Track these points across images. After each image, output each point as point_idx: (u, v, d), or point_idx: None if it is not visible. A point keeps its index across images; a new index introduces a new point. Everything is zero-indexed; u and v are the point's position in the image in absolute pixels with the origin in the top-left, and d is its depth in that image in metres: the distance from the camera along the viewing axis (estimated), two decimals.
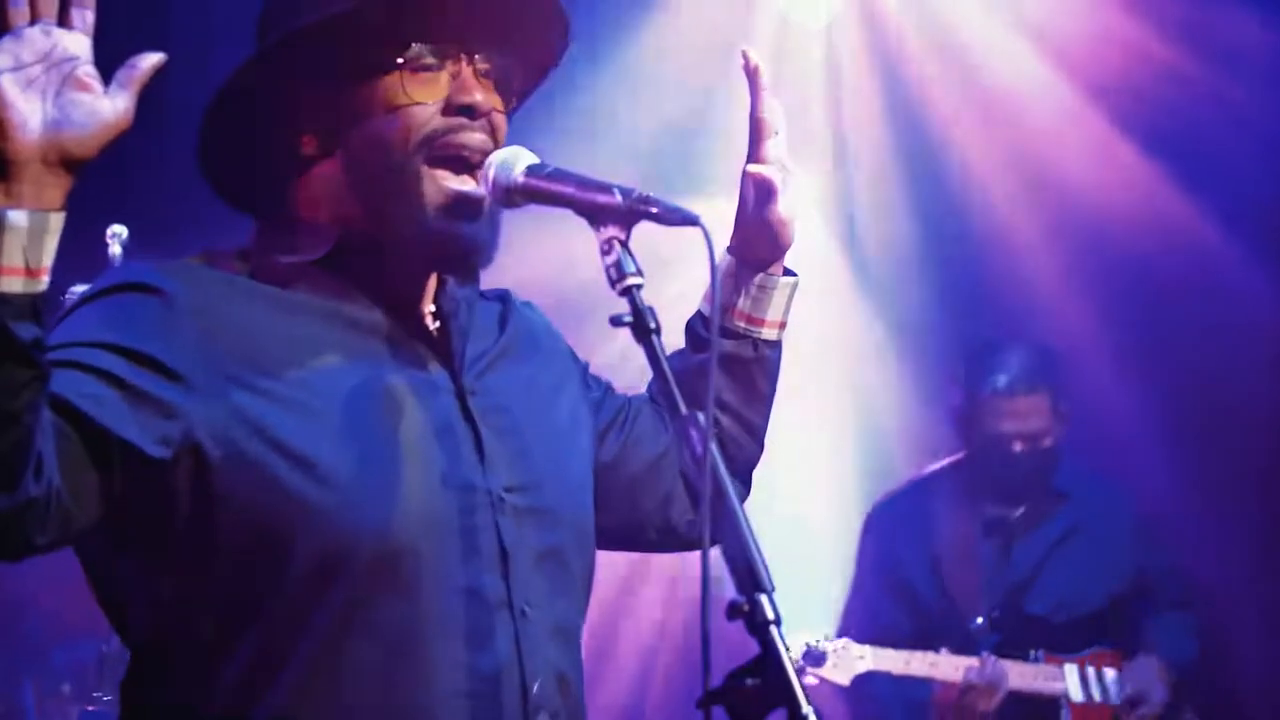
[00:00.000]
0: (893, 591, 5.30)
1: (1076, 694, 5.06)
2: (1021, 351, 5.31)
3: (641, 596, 6.15)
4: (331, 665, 2.08)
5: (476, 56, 2.23)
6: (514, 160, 2.18)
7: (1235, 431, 5.71)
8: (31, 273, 1.83)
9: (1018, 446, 5.18)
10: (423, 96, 2.19)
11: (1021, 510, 5.27)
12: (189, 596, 2.09)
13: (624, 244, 2.05)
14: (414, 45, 2.20)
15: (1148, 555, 5.26)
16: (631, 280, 2.02)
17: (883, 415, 6.33)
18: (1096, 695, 5.07)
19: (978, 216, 6.13)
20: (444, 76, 2.21)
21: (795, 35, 6.15)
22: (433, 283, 2.31)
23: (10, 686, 5.02)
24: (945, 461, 5.44)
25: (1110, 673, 5.13)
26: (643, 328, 2.00)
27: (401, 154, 2.18)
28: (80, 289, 3.60)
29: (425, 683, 2.10)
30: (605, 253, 2.05)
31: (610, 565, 6.17)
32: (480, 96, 2.20)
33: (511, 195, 2.18)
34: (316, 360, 2.15)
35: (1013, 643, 5.09)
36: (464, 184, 2.20)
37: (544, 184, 2.15)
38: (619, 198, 2.07)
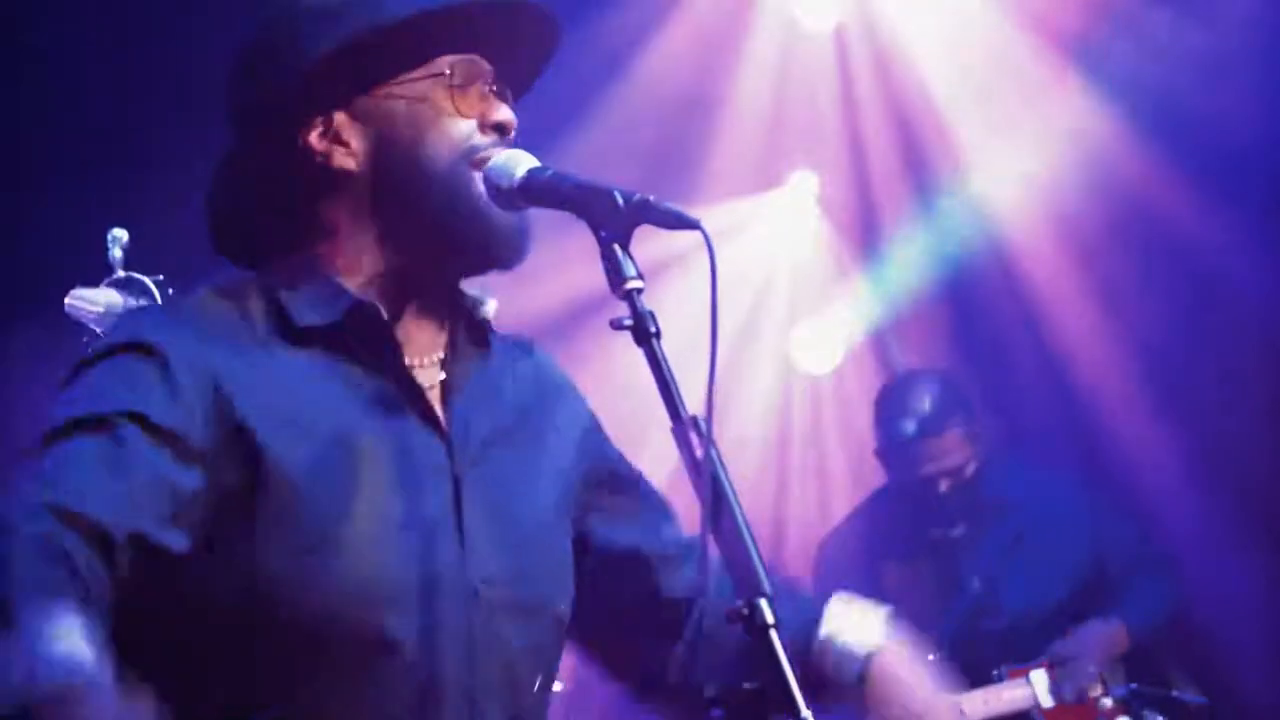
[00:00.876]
0: None
1: (1047, 700, 4.94)
2: (925, 390, 5.24)
3: None
4: None
5: (497, 76, 2.28)
6: (514, 163, 2.19)
7: (1231, 419, 5.74)
8: None
9: (943, 485, 5.14)
10: (464, 110, 2.24)
11: (962, 528, 5.20)
12: (162, 631, 2.08)
13: (624, 247, 2.05)
14: (452, 61, 2.24)
15: (1101, 534, 5.16)
16: (632, 284, 2.02)
17: None
18: (1069, 695, 4.97)
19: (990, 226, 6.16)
20: (475, 93, 2.25)
21: (803, 40, 6.16)
22: (440, 339, 2.29)
23: None
24: (880, 488, 5.40)
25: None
26: (643, 331, 2.00)
27: (449, 159, 2.21)
28: (82, 291, 3.61)
29: None
30: (605, 256, 2.06)
31: None
32: (509, 114, 2.26)
33: (512, 197, 2.19)
34: (310, 434, 2.12)
35: (973, 666, 4.94)
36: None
37: (545, 187, 2.16)
38: (620, 201, 2.07)
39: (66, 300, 3.58)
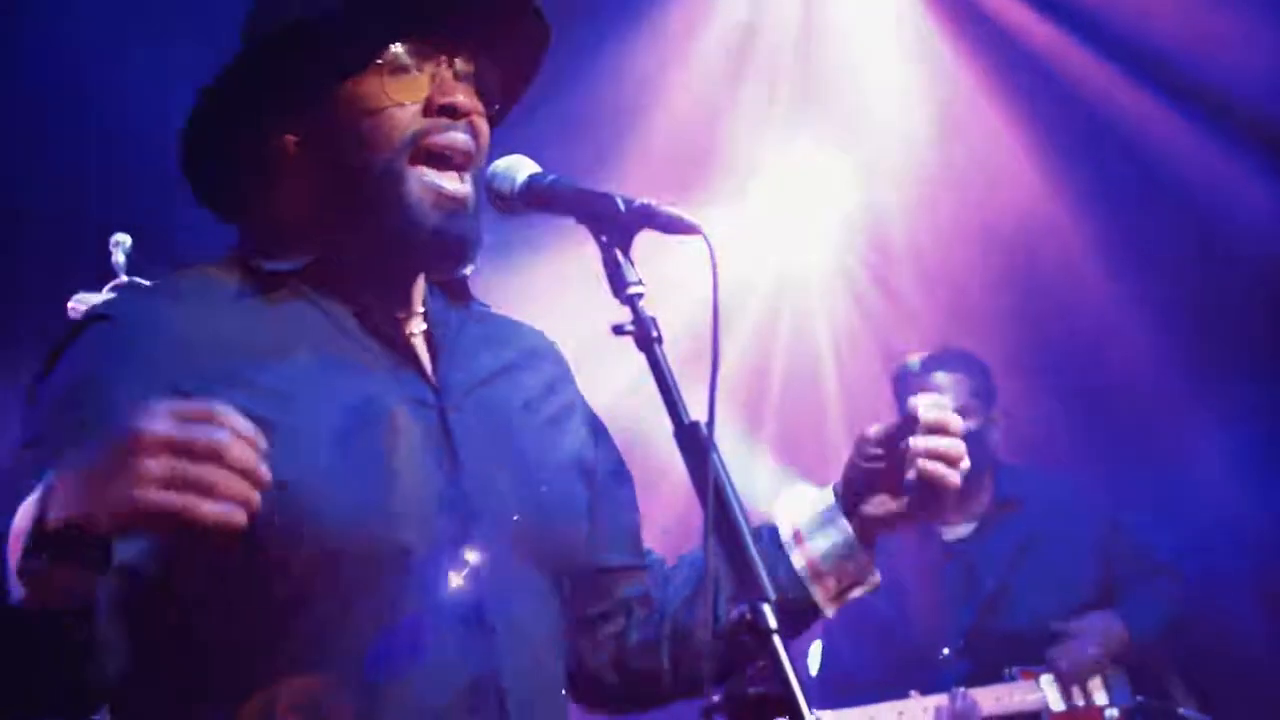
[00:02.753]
0: (858, 630, 5.21)
1: (1057, 703, 5.00)
2: (945, 347, 5.38)
3: None
4: (285, 686, 2.06)
5: (457, 60, 2.23)
6: (516, 169, 2.19)
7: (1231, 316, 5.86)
8: None
9: None
10: (403, 97, 2.20)
11: (974, 526, 5.26)
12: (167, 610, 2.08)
13: (626, 252, 2.06)
14: (392, 47, 2.20)
15: (1110, 539, 5.21)
16: (634, 289, 2.02)
17: None
18: (1079, 700, 5.02)
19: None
20: (424, 78, 2.21)
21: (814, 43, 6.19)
22: (418, 296, 2.30)
23: None
24: None
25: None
26: (645, 337, 2.00)
27: (385, 156, 2.18)
28: (85, 296, 3.60)
29: (401, 698, 2.09)
30: (607, 262, 2.06)
31: None
32: (462, 97, 2.21)
33: (513, 203, 2.18)
34: (295, 372, 2.14)
35: (986, 664, 5.02)
36: (449, 181, 2.20)
37: (546, 192, 2.16)
38: (621, 206, 2.07)
39: (70, 305, 3.59)
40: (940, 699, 4.89)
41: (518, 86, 2.38)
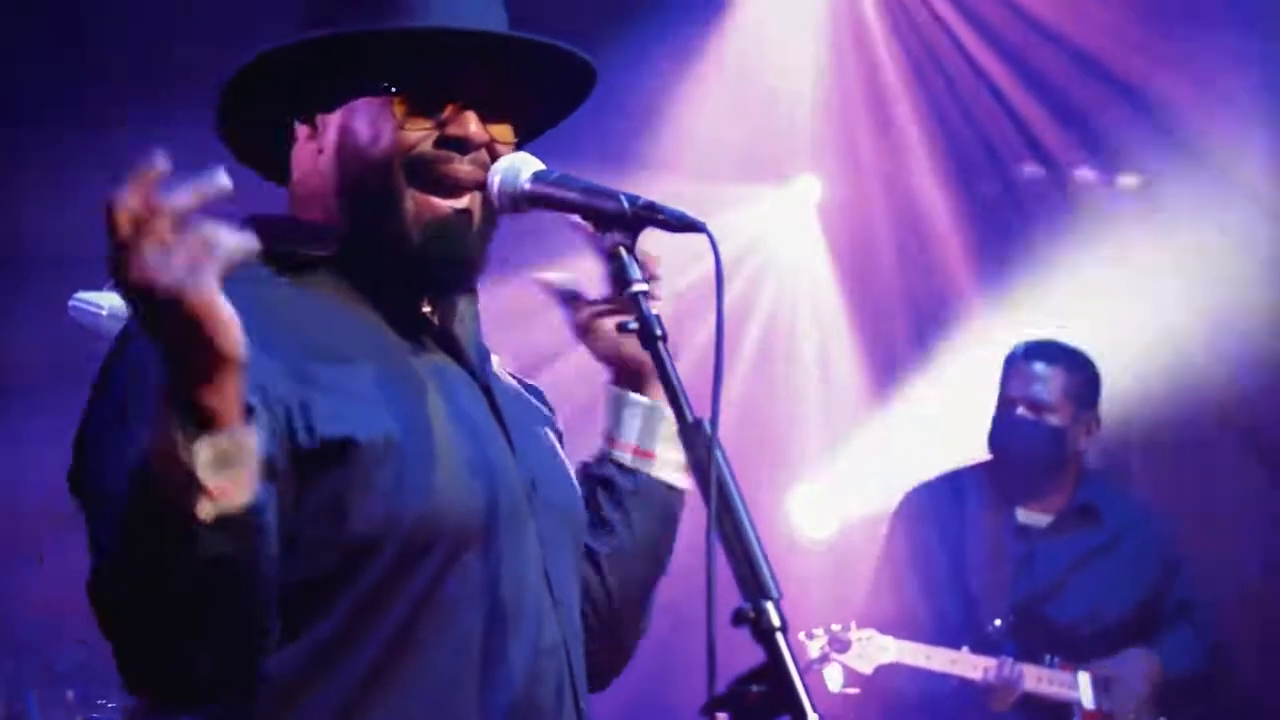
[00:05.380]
0: (918, 581, 5.35)
1: (1089, 702, 5.14)
2: (1056, 339, 5.46)
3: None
4: (399, 654, 2.06)
5: (487, 95, 2.22)
6: (520, 167, 2.18)
7: None
8: None
9: (1020, 410, 5.28)
10: (416, 124, 2.19)
11: (1051, 520, 5.35)
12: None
13: (629, 251, 2.06)
14: (418, 82, 2.19)
15: (1165, 583, 5.34)
16: (637, 287, 2.03)
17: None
18: (1106, 704, 5.14)
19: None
20: (438, 106, 2.20)
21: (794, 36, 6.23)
22: None
23: (14, 693, 5.02)
24: (978, 461, 5.48)
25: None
26: (648, 334, 2.01)
27: (384, 172, 2.17)
28: (86, 294, 3.59)
29: (498, 669, 2.11)
30: (611, 259, 2.06)
31: None
32: (474, 129, 2.19)
33: (517, 201, 2.18)
34: (354, 361, 2.13)
35: (1028, 646, 5.16)
36: (449, 201, 2.19)
37: (550, 190, 2.15)
38: (625, 204, 2.07)
39: (70, 303, 3.58)
40: (990, 661, 5.05)
41: (554, 119, 2.38)
